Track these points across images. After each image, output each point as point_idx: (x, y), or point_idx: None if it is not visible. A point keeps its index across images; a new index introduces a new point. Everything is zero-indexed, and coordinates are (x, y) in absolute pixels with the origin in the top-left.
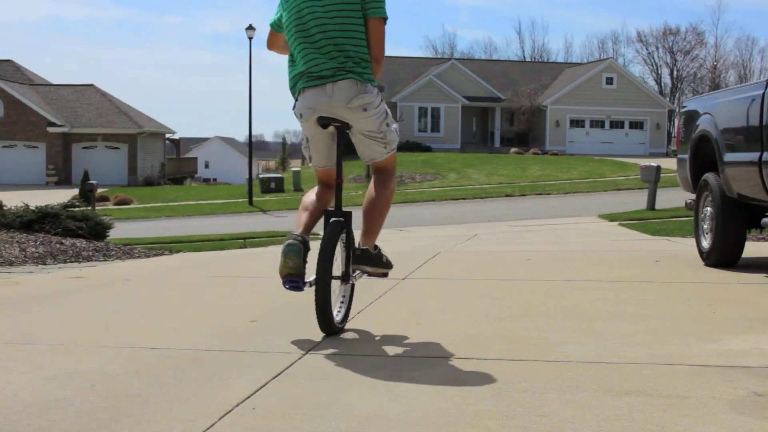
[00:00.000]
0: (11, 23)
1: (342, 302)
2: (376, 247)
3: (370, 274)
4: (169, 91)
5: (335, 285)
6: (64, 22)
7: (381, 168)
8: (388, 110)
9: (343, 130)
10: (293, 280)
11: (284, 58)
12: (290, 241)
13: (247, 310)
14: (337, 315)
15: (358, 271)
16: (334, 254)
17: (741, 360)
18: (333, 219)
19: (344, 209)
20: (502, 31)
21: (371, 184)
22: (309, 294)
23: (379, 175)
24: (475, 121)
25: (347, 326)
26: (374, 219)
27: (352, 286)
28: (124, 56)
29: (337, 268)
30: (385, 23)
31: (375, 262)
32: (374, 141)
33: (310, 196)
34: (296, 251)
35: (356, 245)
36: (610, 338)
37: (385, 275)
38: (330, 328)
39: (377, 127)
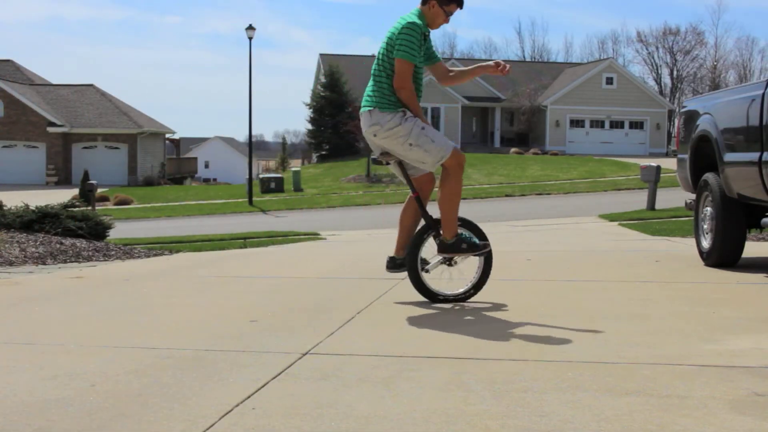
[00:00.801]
0: (11, 23)
1: (449, 280)
2: (456, 235)
3: (465, 254)
4: (169, 91)
5: (443, 267)
6: (64, 22)
7: (443, 167)
8: (413, 129)
9: (392, 161)
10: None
11: (284, 59)
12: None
13: (247, 310)
14: (451, 290)
15: (454, 257)
16: (420, 248)
17: (741, 360)
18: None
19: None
20: (502, 31)
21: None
22: (308, 295)
23: (443, 172)
24: (475, 121)
25: (342, 327)
26: (443, 211)
27: (485, 261)
28: (124, 56)
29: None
30: (403, 63)
31: (451, 249)
32: (407, 159)
33: (404, 209)
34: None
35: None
36: (610, 338)
37: (477, 253)
38: (428, 295)
39: (396, 148)
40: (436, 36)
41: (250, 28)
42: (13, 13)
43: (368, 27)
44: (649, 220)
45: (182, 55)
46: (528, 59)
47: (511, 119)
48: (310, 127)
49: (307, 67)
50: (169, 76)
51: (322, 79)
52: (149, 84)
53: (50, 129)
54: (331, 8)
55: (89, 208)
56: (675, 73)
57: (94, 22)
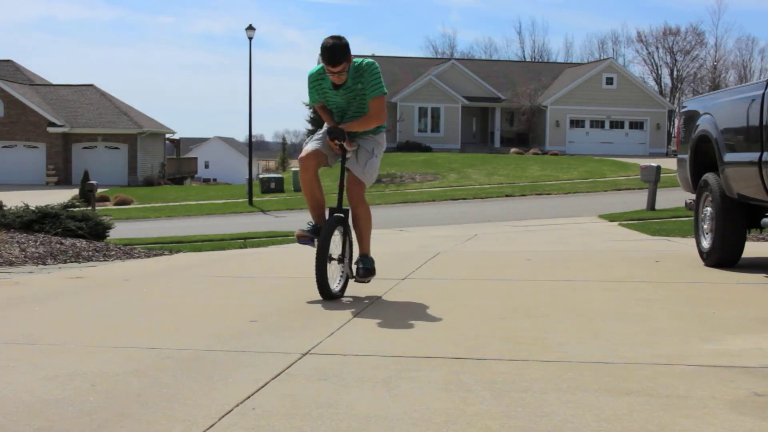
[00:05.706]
0: (2, 23)
1: (341, 277)
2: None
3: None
4: (169, 91)
5: (335, 265)
6: (57, 22)
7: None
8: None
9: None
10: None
11: (280, 60)
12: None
13: (247, 310)
14: (336, 286)
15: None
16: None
17: (741, 360)
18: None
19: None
20: (503, 31)
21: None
22: (308, 295)
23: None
24: (475, 121)
25: (341, 328)
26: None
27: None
28: (120, 56)
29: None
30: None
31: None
32: None
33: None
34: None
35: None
36: (610, 338)
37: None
38: (328, 294)
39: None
40: (437, 36)
41: (250, 28)
42: (3, 13)
43: (361, 27)
44: (649, 220)
45: (179, 55)
46: (528, 59)
47: (511, 119)
48: (310, 127)
49: (307, 68)
50: (167, 76)
51: None
52: (148, 84)
53: (50, 129)
54: (322, 9)
55: (89, 208)
56: (675, 73)
57: (87, 22)
